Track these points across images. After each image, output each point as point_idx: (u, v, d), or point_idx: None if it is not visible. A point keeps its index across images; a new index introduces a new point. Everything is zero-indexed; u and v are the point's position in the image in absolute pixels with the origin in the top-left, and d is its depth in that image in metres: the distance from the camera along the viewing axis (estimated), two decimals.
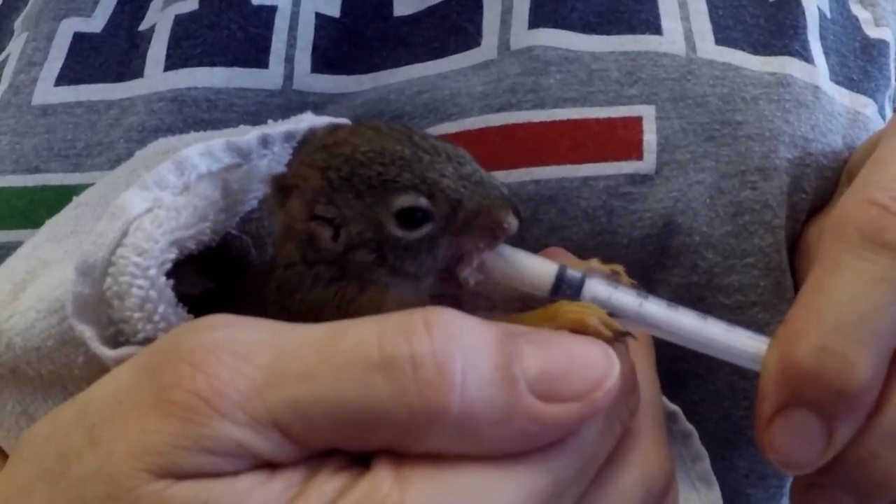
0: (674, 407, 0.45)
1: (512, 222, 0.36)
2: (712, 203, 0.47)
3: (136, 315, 0.34)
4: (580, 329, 0.33)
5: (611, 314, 0.34)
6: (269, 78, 0.52)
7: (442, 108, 0.49)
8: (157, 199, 0.35)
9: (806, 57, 0.51)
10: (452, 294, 0.37)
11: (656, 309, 0.36)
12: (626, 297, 0.36)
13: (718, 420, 0.50)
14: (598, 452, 0.32)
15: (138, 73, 0.53)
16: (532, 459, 0.30)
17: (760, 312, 0.48)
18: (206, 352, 0.29)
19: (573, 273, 0.37)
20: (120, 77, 0.53)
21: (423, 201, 0.35)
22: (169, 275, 0.35)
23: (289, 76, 0.52)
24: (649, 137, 0.48)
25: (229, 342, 0.30)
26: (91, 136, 0.51)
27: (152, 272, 0.34)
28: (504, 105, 0.49)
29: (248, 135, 0.38)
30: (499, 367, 0.30)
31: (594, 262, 0.39)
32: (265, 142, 0.39)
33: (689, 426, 0.44)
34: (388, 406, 0.29)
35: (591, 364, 0.31)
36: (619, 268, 0.38)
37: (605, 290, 0.36)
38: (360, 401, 0.29)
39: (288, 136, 0.40)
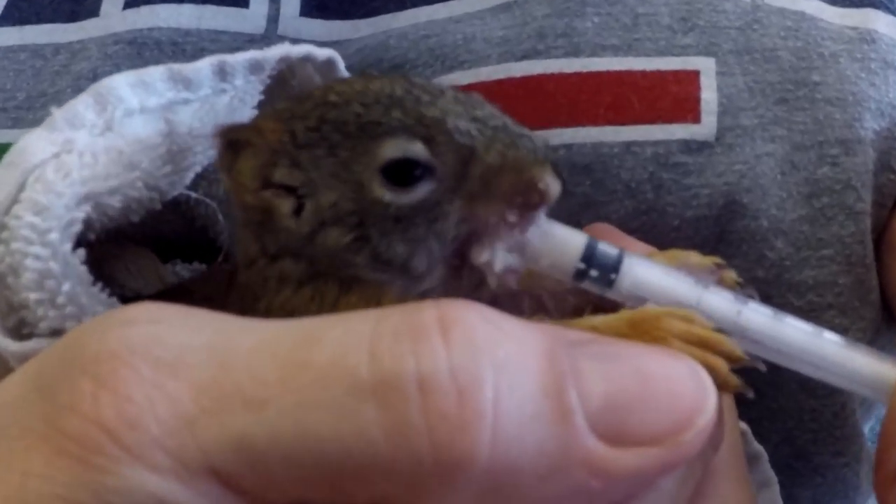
0: (742, 425, 0.39)
1: (552, 184, 0.28)
2: (783, 180, 0.43)
3: (34, 296, 0.28)
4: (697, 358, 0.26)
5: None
6: (249, 20, 0.48)
7: (452, 55, 0.45)
8: (67, 142, 0.30)
9: (893, 9, 0.47)
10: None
11: (760, 319, 0.29)
12: (720, 302, 0.29)
13: (780, 443, 0.46)
14: None
15: (93, 11, 0.48)
16: None
17: (838, 317, 0.44)
18: (117, 360, 0.23)
19: (606, 249, 0.29)
20: (72, 16, 0.49)
21: (418, 149, 0.28)
22: (81, 243, 0.29)
23: (273, 19, 0.48)
24: (708, 96, 0.43)
25: (151, 345, 0.23)
26: (34, 86, 0.47)
27: (53, 236, 0.28)
28: (529, 52, 0.44)
29: (198, 62, 0.33)
30: (548, 394, 0.23)
31: (693, 256, 0.31)
32: (222, 72, 0.34)
33: (759, 447, 0.40)
34: (382, 450, 0.22)
35: (678, 391, 0.24)
36: (720, 261, 0.31)
37: (692, 291, 0.29)
38: (339, 441, 0.22)
39: (254, 67, 0.35)
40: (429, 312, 0.23)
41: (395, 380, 0.22)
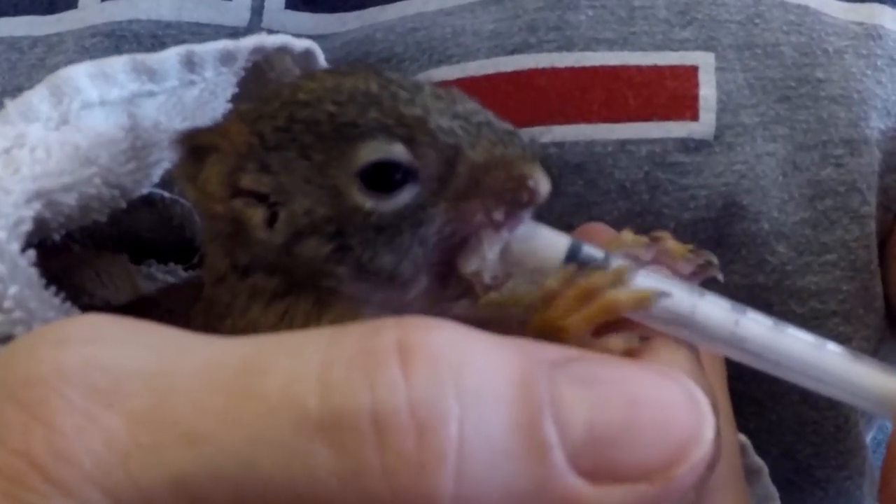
0: (742, 438, 0.38)
1: (542, 182, 0.27)
2: (785, 182, 0.43)
3: None
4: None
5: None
6: (232, 12, 0.47)
7: (440, 49, 0.44)
8: (19, 136, 0.28)
9: None
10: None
11: (759, 329, 0.27)
12: (716, 311, 0.27)
13: (779, 456, 0.45)
14: None
15: (72, 2, 0.47)
16: None
17: (841, 324, 0.43)
18: (47, 386, 0.21)
19: (592, 252, 0.27)
20: (50, 8, 0.48)
21: (398, 150, 0.26)
22: (33, 243, 0.27)
23: (257, 11, 0.47)
24: (707, 92, 0.43)
25: (84, 370, 0.21)
26: (9, 80, 0.46)
27: None
28: (520, 46, 0.43)
29: (164, 52, 0.31)
30: (522, 428, 0.21)
31: (626, 234, 0.29)
32: (190, 63, 0.32)
33: (759, 461, 0.38)
34: (334, 493, 0.20)
35: (671, 418, 0.22)
36: (665, 234, 0.30)
37: (686, 298, 0.27)
38: (287, 482, 0.20)
39: (226, 58, 0.33)
40: (387, 335, 0.21)
41: (347, 416, 0.20)
